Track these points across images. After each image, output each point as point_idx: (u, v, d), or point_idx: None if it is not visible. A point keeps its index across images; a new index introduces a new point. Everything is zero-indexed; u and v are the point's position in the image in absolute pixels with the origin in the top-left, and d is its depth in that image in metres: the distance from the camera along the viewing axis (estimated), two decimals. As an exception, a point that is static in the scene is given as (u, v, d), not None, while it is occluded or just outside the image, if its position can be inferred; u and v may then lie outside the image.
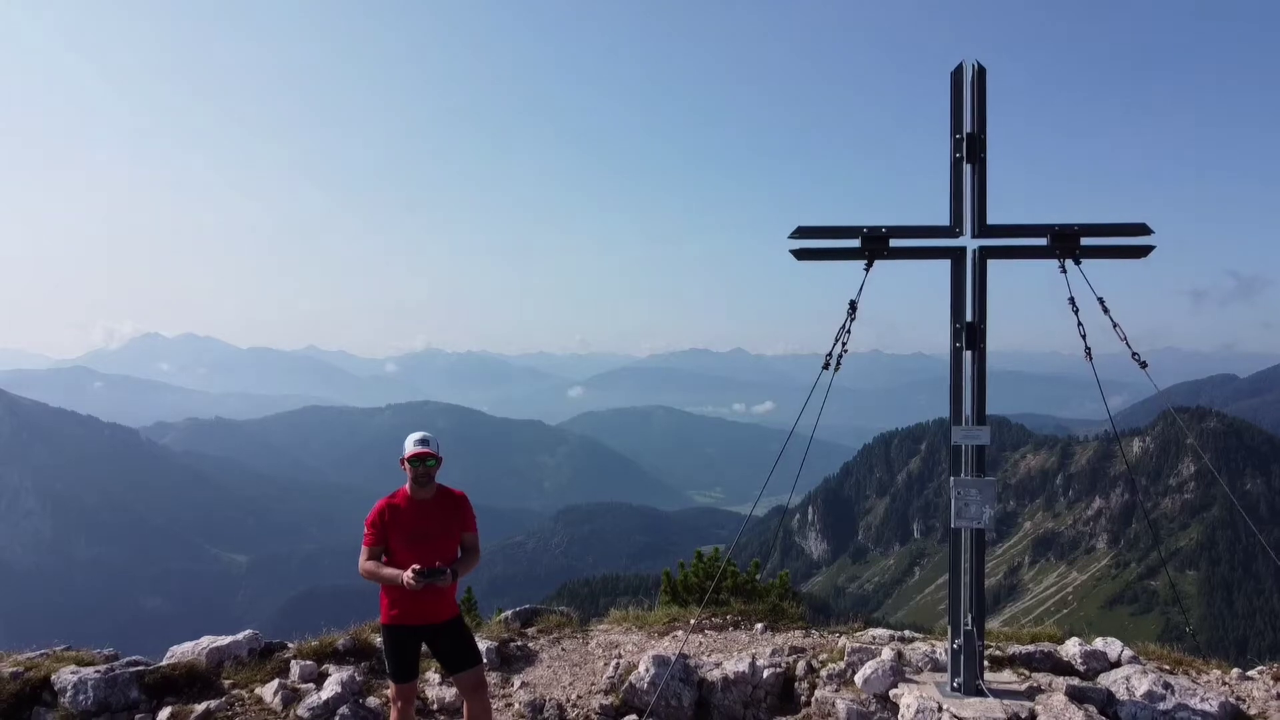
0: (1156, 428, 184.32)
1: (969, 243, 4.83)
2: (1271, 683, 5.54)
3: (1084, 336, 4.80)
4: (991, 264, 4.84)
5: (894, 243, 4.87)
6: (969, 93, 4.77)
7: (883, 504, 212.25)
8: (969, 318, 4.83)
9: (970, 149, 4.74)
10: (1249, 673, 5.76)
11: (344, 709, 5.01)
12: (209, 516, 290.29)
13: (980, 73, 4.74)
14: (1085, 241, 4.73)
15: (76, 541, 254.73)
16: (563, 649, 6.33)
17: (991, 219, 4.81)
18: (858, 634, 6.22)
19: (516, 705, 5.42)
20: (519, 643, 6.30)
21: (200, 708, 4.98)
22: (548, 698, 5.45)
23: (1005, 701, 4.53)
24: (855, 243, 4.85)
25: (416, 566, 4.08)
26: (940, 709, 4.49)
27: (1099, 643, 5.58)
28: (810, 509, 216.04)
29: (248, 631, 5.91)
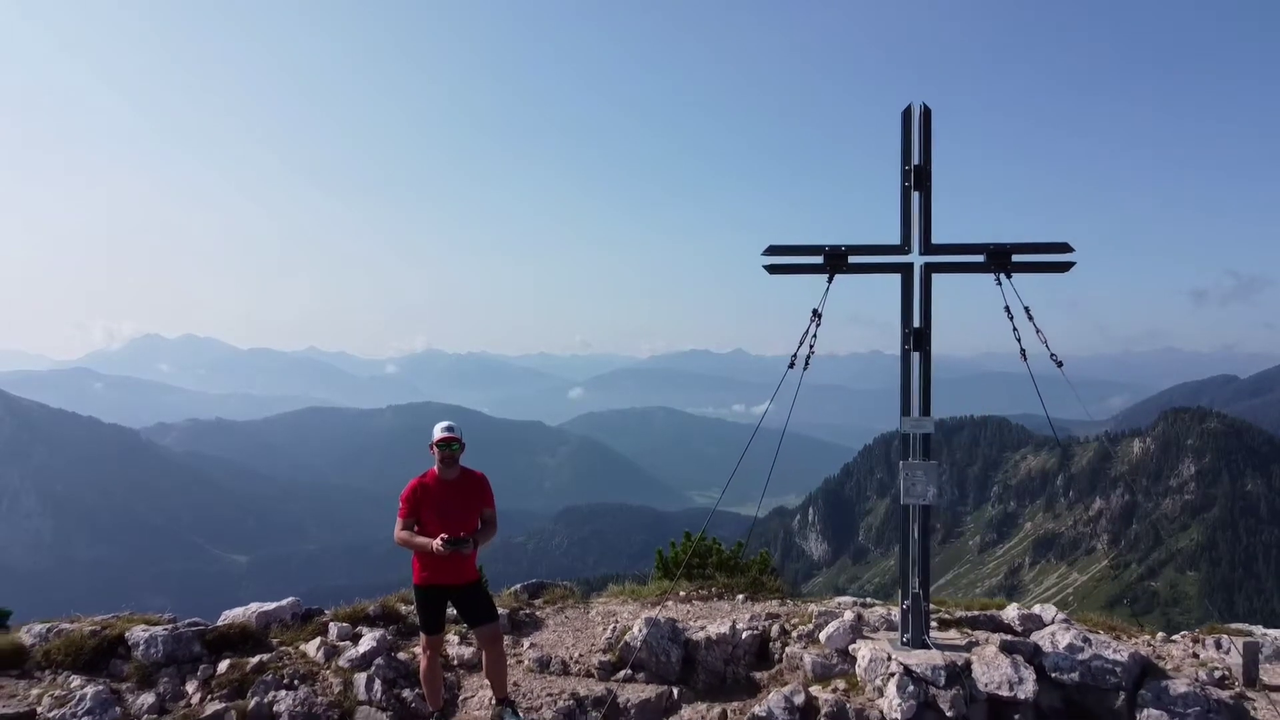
0: (1157, 428, 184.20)
1: (916, 259, 5.47)
2: (1190, 645, 6.20)
3: (1019, 340, 5.39)
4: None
5: (852, 259, 5.55)
6: (917, 130, 5.37)
7: (883, 505, 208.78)
8: (916, 324, 5.47)
9: (918, 178, 5.35)
10: (1173, 636, 6.41)
11: (379, 660, 5.72)
12: (209, 517, 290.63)
13: (926, 112, 5.34)
14: (1016, 258, 5.38)
15: (77, 542, 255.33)
16: (566, 617, 6.99)
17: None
18: (826, 601, 6.85)
19: (526, 661, 6.08)
20: (527, 611, 6.98)
21: (254, 660, 5.70)
22: (553, 655, 6.11)
23: (945, 652, 5.17)
24: (819, 259, 5.48)
25: (444, 535, 4.74)
26: (889, 659, 5.14)
27: (1036, 608, 6.25)
28: (811, 510, 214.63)
29: (290, 598, 6.64)
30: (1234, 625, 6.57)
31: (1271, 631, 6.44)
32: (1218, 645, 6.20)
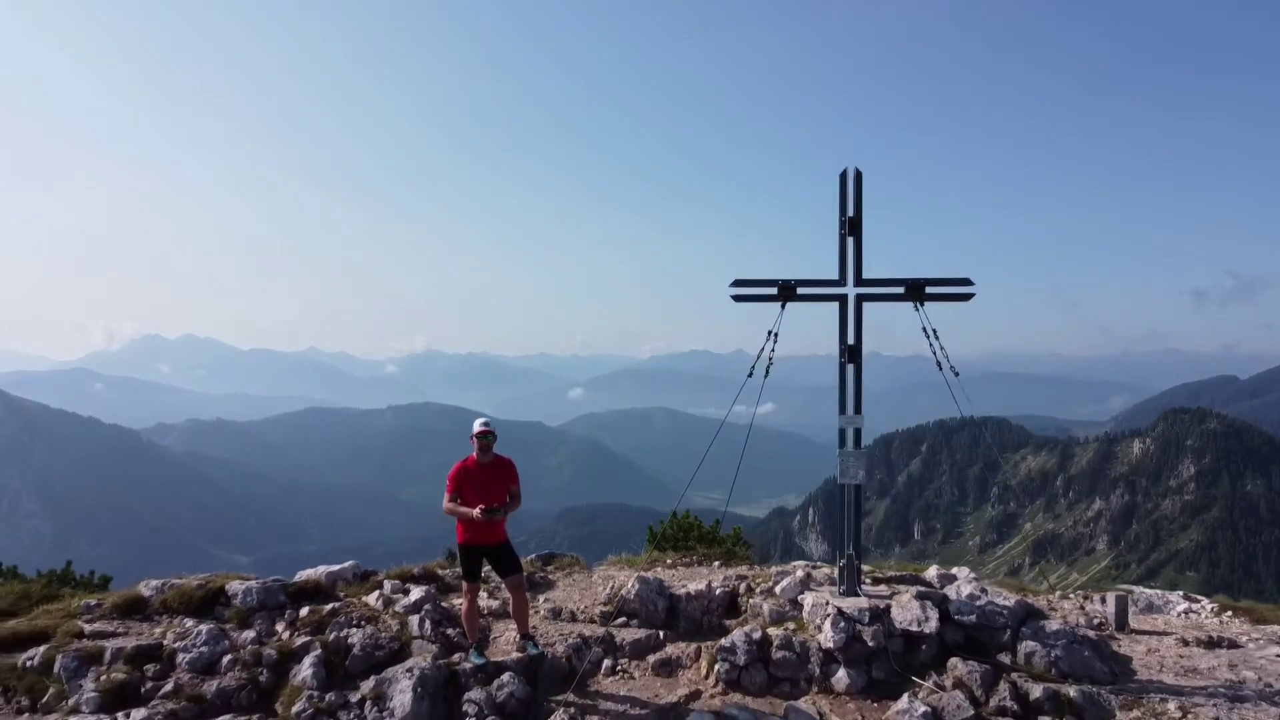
0: (1157, 429, 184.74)
1: (850, 291, 6.79)
2: (1081, 600, 7.63)
3: (934, 352, 6.76)
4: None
5: (800, 290, 6.84)
6: (851, 189, 6.72)
7: (883, 505, 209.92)
8: (850, 341, 6.84)
9: (851, 227, 6.70)
10: (1069, 594, 7.86)
11: (427, 606, 7.11)
12: (210, 517, 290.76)
13: (858, 175, 6.71)
14: (929, 290, 6.70)
15: (78, 542, 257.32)
16: (573, 579, 8.47)
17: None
18: (783, 565, 8.32)
19: (541, 611, 7.58)
20: (541, 574, 8.50)
21: (328, 607, 7.20)
22: (563, 607, 7.60)
23: (871, 599, 6.55)
24: (774, 290, 6.82)
25: (482, 506, 6.15)
26: (827, 604, 6.53)
27: (953, 570, 7.67)
28: (810, 510, 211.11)
29: (351, 562, 8.12)
30: (1121, 585, 8.00)
31: (1149, 591, 7.88)
32: (1102, 600, 7.64)
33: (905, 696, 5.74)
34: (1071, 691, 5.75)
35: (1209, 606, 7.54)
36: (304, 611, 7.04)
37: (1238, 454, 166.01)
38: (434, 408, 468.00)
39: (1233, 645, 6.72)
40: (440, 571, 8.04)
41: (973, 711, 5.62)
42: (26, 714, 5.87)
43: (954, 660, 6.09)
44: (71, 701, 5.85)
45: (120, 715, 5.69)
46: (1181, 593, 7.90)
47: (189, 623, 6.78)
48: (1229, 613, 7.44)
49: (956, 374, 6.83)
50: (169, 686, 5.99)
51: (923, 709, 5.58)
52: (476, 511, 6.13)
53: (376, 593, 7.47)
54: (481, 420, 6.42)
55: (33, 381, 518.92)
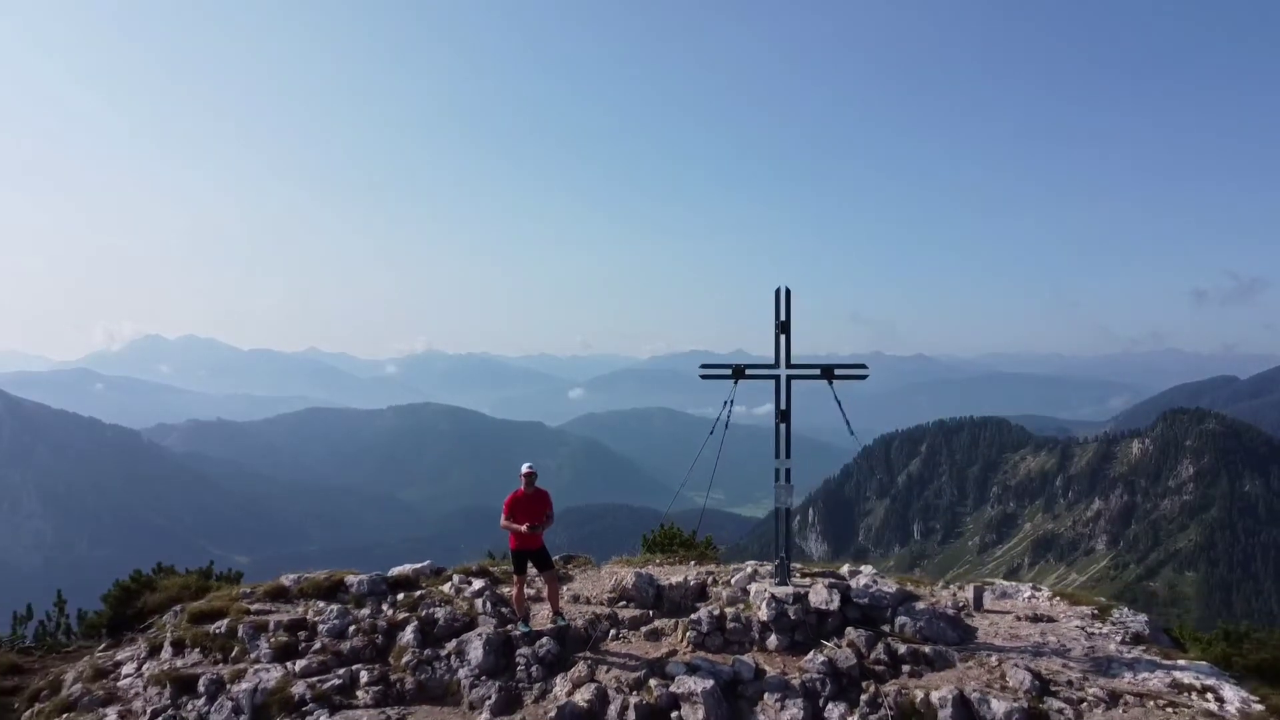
0: (1156, 429, 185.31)
1: (781, 373, 9.62)
2: (955, 591, 10.48)
3: (843, 416, 9.61)
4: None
5: (749, 372, 9.73)
6: (782, 301, 9.58)
7: (883, 506, 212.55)
8: (782, 407, 9.68)
9: (782, 329, 9.57)
10: (948, 585, 10.73)
11: (486, 592, 10.02)
12: (211, 518, 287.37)
13: (788, 291, 9.57)
14: (836, 372, 9.58)
15: (78, 543, 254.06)
16: (587, 574, 11.41)
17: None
18: (739, 564, 11.22)
19: (565, 597, 10.38)
20: (564, 570, 11.37)
21: (416, 593, 10.12)
22: (581, 593, 10.51)
23: (796, 588, 9.41)
24: (729, 372, 9.71)
25: (528, 524, 9.00)
26: (765, 591, 9.36)
27: (861, 567, 10.55)
28: (811, 511, 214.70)
29: (427, 562, 11.01)
30: (987, 580, 10.89)
31: (1005, 583, 10.76)
32: (967, 588, 10.53)
33: (813, 652, 8.61)
34: (926, 649, 8.62)
35: (1045, 594, 10.39)
36: (400, 596, 10.03)
37: (1236, 454, 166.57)
38: (434, 408, 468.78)
39: (1050, 620, 9.60)
40: (491, 568, 10.95)
41: (855, 661, 8.48)
42: (222, 663, 8.74)
43: (849, 629, 8.96)
44: (252, 655, 8.73)
45: (289, 663, 8.58)
46: (1030, 585, 10.74)
47: (320, 604, 9.68)
48: (1057, 598, 10.30)
49: (852, 434, 9.67)
50: (316, 646, 8.88)
51: (822, 659, 8.44)
52: (524, 527, 8.99)
53: (449, 584, 10.40)
54: (527, 464, 9.27)
55: (33, 382, 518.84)
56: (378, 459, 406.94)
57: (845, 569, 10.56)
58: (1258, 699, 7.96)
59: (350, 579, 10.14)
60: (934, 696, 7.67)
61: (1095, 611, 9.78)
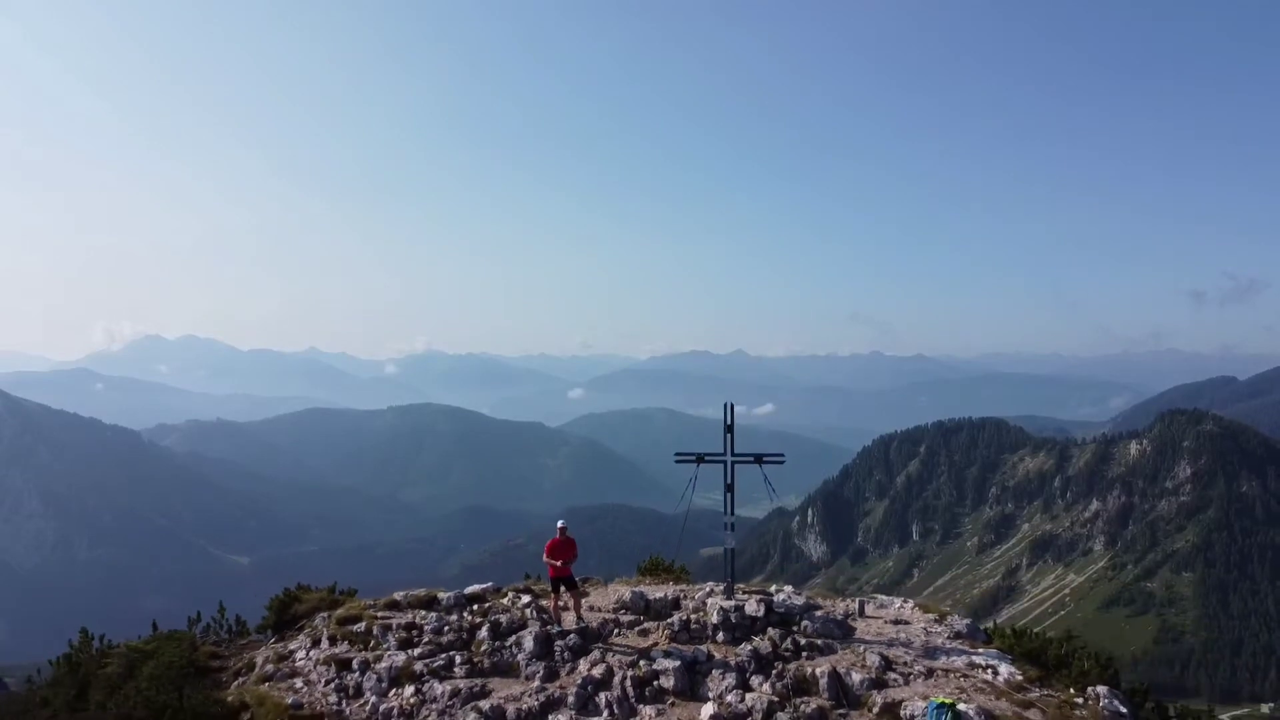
0: (1154, 430, 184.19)
1: (728, 459, 14.07)
2: (849, 602, 15.29)
3: (767, 480, 14.43)
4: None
5: (707, 458, 14.42)
6: (727, 412, 14.38)
7: (882, 506, 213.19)
8: (728, 482, 14.46)
9: (728, 429, 14.24)
10: (847, 600, 15.54)
11: (533, 604, 14.69)
12: (211, 518, 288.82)
13: (732, 406, 14.37)
14: (765, 459, 14.34)
15: (79, 542, 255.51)
16: (598, 590, 16.12)
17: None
18: (702, 584, 16.05)
19: (585, 607, 15.11)
20: (582, 589, 16.11)
21: (486, 604, 14.77)
22: (594, 605, 15.12)
23: (736, 601, 14.14)
24: (693, 458, 14.47)
25: (561, 560, 13.82)
26: (717, 603, 14.07)
27: (783, 587, 15.36)
28: (810, 511, 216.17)
29: (490, 582, 15.70)
30: (872, 595, 15.75)
31: (884, 596, 15.59)
32: (858, 601, 15.37)
33: (744, 644, 13.40)
34: (819, 641, 13.44)
35: (910, 605, 15.23)
36: (475, 606, 14.69)
37: (1234, 455, 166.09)
38: (434, 408, 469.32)
39: (905, 623, 14.44)
40: (533, 588, 15.74)
41: (772, 649, 13.25)
42: (364, 650, 13.56)
43: (770, 629, 13.76)
44: (384, 646, 13.56)
45: (408, 651, 13.40)
46: (901, 599, 15.55)
47: (423, 612, 14.49)
48: (916, 608, 15.13)
49: (775, 492, 14.50)
50: (424, 639, 13.70)
51: (750, 648, 13.23)
52: (560, 563, 13.80)
53: (507, 597, 15.09)
54: (561, 521, 14.08)
55: (34, 382, 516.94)
56: (378, 459, 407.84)
57: (773, 588, 15.37)
58: (1020, 674, 12.81)
59: (441, 595, 14.89)
60: (818, 671, 12.48)
61: (936, 617, 14.64)
